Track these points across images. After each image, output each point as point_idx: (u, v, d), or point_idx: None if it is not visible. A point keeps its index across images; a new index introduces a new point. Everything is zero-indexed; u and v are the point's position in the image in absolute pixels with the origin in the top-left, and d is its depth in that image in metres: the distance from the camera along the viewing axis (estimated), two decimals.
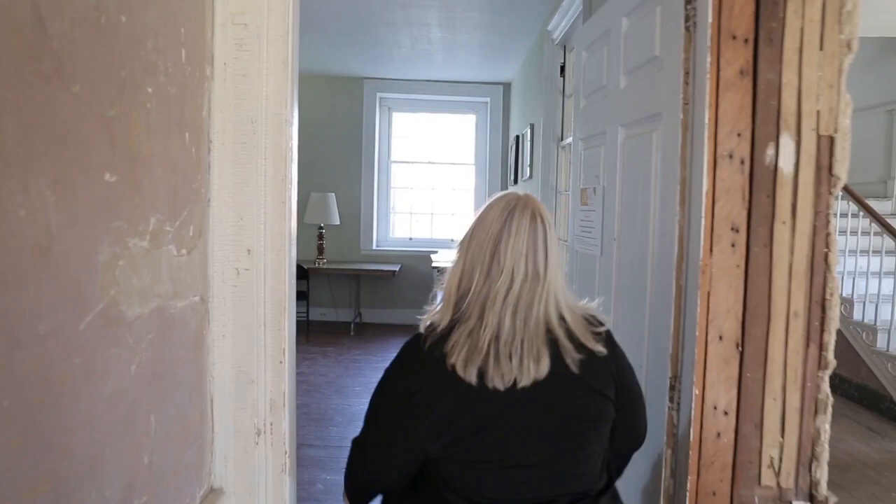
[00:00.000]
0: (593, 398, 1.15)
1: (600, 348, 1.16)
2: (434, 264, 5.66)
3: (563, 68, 4.11)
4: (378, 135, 7.40)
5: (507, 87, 7.20)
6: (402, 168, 7.70)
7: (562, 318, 1.16)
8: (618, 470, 1.30)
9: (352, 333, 6.70)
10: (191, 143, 1.06)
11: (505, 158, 7.19)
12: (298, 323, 5.40)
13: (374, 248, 7.38)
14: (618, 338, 1.25)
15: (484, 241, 1.19)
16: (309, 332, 6.68)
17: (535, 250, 1.16)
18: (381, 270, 6.76)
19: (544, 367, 1.11)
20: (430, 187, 7.64)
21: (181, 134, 1.03)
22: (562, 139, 4.13)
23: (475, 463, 1.13)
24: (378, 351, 6.03)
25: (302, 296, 6.65)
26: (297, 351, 6.08)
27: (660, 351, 1.39)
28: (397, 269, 6.90)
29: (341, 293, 7.33)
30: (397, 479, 1.20)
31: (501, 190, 7.22)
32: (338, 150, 7.29)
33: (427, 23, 4.90)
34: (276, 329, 1.21)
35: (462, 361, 1.12)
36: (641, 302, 1.50)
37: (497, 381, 1.10)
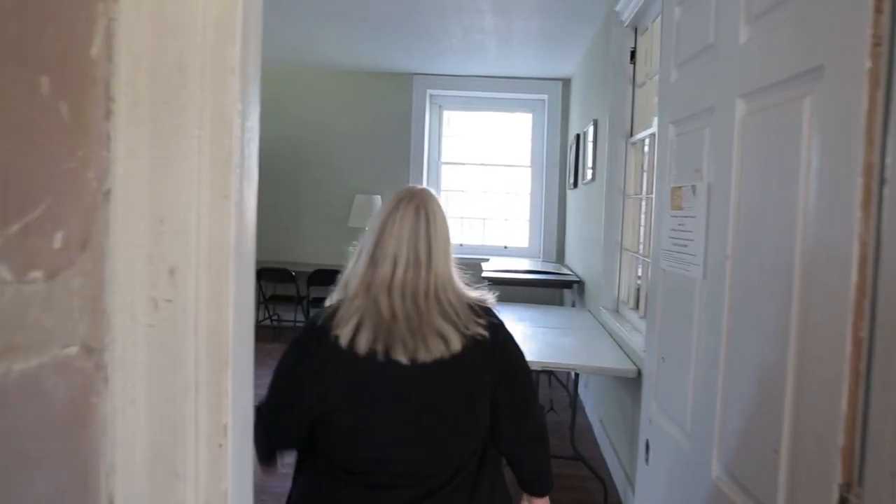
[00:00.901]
0: (470, 380, 1.23)
1: (482, 332, 1.23)
2: (485, 273, 5.20)
3: (633, 54, 3.60)
4: (428, 134, 7.00)
5: (566, 83, 6.69)
6: (453, 170, 7.28)
7: (449, 304, 1.24)
8: (519, 462, 1.38)
9: None
10: (56, 96, 0.65)
11: (564, 160, 6.67)
12: None
13: None
14: (725, 409, 1.11)
15: (372, 230, 1.31)
16: None
17: (416, 239, 1.26)
18: None
19: (429, 348, 1.19)
20: (482, 190, 7.19)
21: (29, 77, 0.61)
22: (631, 135, 3.62)
23: (350, 430, 1.23)
24: None
25: None
26: None
27: (815, 438, 0.90)
28: None
29: None
30: (288, 441, 1.31)
31: (559, 194, 6.72)
32: (385, 150, 6.93)
33: (479, 9, 4.46)
34: (214, 393, 0.78)
35: (347, 335, 1.21)
36: (777, 354, 1.01)
37: (381, 355, 1.19)
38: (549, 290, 6.39)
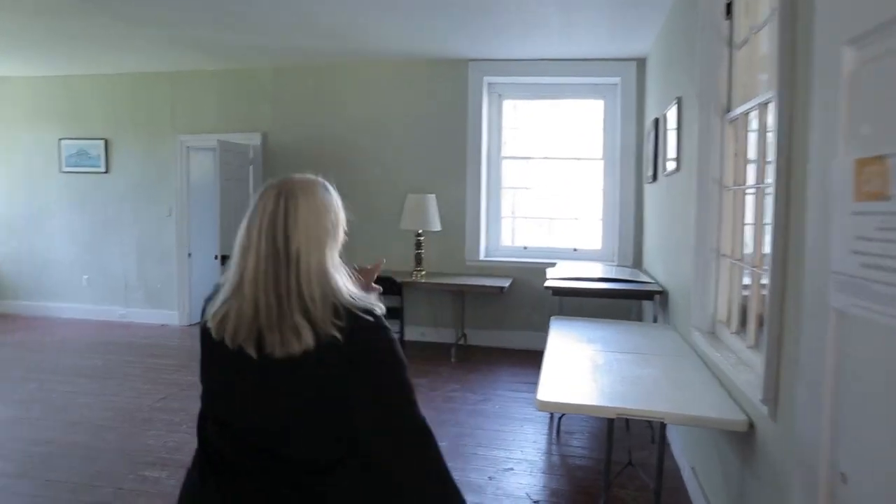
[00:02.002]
0: (319, 381, 1.21)
1: (335, 333, 1.19)
2: (548, 283, 4.50)
3: (729, 7, 2.84)
4: (486, 126, 6.34)
5: (641, 63, 5.88)
6: (516, 165, 6.59)
7: (311, 299, 1.21)
8: (391, 461, 1.25)
9: (452, 359, 5.68)
10: None
11: (640, 150, 5.87)
12: None
13: (481, 258, 6.33)
14: None
15: (245, 219, 1.28)
16: None
17: (273, 229, 1.23)
18: (487, 286, 5.69)
19: (283, 343, 1.18)
20: (548, 187, 6.47)
21: None
22: (729, 109, 2.85)
23: (214, 419, 1.31)
24: (480, 385, 4.95)
25: (394, 313, 5.73)
26: None
27: None
28: (507, 284, 5.79)
29: (443, 310, 6.34)
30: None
31: (636, 188, 5.92)
32: (439, 144, 6.31)
33: None
34: None
35: (215, 325, 1.24)
36: None
37: (249, 349, 1.20)
38: (625, 301, 5.61)
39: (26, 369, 5.23)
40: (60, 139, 7.31)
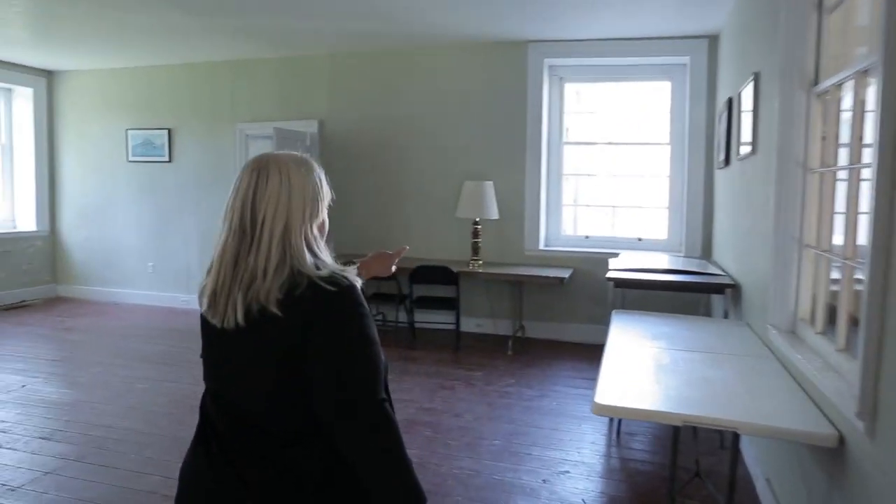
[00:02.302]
0: (264, 352, 1.22)
1: (273, 309, 1.18)
2: (610, 273, 4.26)
3: None
4: (547, 110, 6.09)
5: (713, 40, 5.51)
6: (578, 151, 6.32)
7: (264, 273, 1.20)
8: (353, 460, 1.20)
9: (509, 352, 5.50)
10: None
11: (711, 133, 5.51)
12: (446, 335, 5.71)
13: (540, 247, 6.11)
14: None
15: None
16: (458, 348, 5.60)
17: (242, 204, 1.24)
18: (546, 277, 5.47)
19: (227, 315, 1.21)
20: (612, 174, 6.17)
21: None
22: (816, 82, 2.55)
23: (208, 390, 1.35)
24: (536, 380, 4.76)
25: (450, 303, 5.61)
26: (439, 374, 5.01)
27: None
28: (567, 275, 5.55)
29: (501, 301, 6.16)
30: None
31: (705, 174, 5.56)
32: (497, 130, 6.11)
33: None
34: None
35: (199, 297, 1.31)
36: None
37: (214, 320, 1.25)
38: (693, 295, 5.29)
39: (93, 353, 5.37)
40: (127, 129, 7.49)
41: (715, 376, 2.44)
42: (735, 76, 4.33)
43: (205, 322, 1.30)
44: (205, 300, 1.27)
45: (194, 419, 1.36)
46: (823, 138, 2.51)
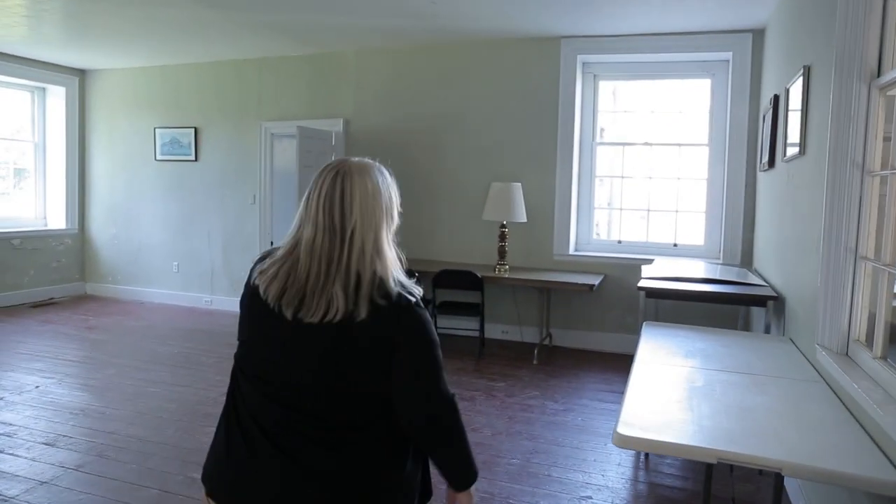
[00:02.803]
0: (348, 348, 1.27)
1: (380, 302, 1.26)
2: (642, 282, 3.98)
3: None
4: (580, 109, 5.83)
5: (758, 34, 5.17)
6: (612, 151, 6.04)
7: (357, 275, 1.28)
8: (427, 449, 1.40)
9: (535, 361, 5.25)
10: None
11: (754, 133, 5.18)
12: (469, 342, 5.49)
13: (570, 252, 5.84)
14: None
15: (305, 195, 1.37)
16: (481, 356, 5.38)
17: (331, 205, 1.31)
18: (576, 283, 5.20)
19: (317, 309, 1.26)
20: (647, 176, 5.88)
21: None
22: (878, 74, 2.26)
23: (246, 374, 1.37)
24: (562, 392, 4.50)
25: (474, 309, 5.39)
26: (459, 384, 4.67)
27: None
28: (597, 282, 5.28)
29: (527, 308, 5.91)
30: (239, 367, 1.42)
31: (747, 177, 5.23)
32: (527, 129, 5.87)
33: None
34: None
35: (264, 284, 1.33)
36: None
37: (286, 311, 1.29)
38: (732, 306, 4.97)
39: (109, 353, 5.30)
40: (155, 128, 7.46)
41: (755, 403, 2.17)
42: (783, 71, 4.01)
43: (263, 311, 1.32)
44: (277, 289, 1.30)
45: (202, 429, 1.48)
46: (887, 139, 2.22)
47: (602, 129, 6.04)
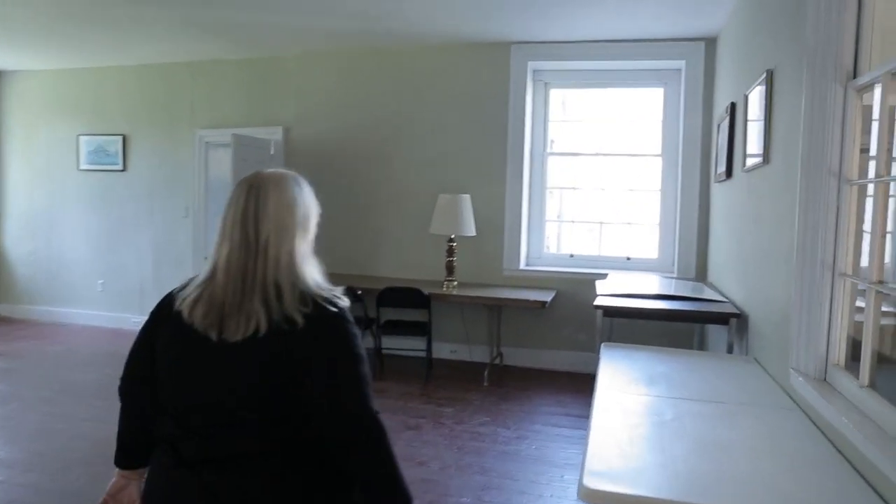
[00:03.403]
0: (274, 364, 1.24)
1: (299, 318, 1.24)
2: (598, 300, 3.74)
3: None
4: (530, 118, 5.62)
5: (710, 42, 5.07)
6: (563, 162, 5.85)
7: (276, 287, 1.27)
8: (351, 468, 1.29)
9: (485, 383, 4.97)
10: None
11: (707, 143, 5.06)
12: (416, 363, 5.07)
13: (521, 267, 5.60)
14: None
15: (222, 214, 1.37)
16: (429, 379, 5.06)
17: (244, 220, 1.30)
18: (528, 300, 4.96)
19: (239, 327, 1.23)
20: (599, 188, 5.70)
21: None
22: (854, 74, 2.08)
23: (171, 398, 1.31)
24: (514, 417, 4.23)
25: (420, 328, 5.08)
26: (405, 410, 4.28)
27: None
28: (550, 298, 5.04)
29: (477, 326, 5.63)
30: (133, 383, 1.42)
31: (701, 189, 5.09)
32: (476, 138, 5.62)
33: None
34: None
35: (187, 309, 1.29)
36: None
37: (211, 333, 1.25)
38: (687, 325, 4.80)
39: (15, 383, 4.76)
40: (79, 135, 6.92)
41: (731, 439, 1.93)
42: (740, 78, 3.87)
43: (184, 334, 1.28)
44: (201, 312, 1.27)
45: (112, 472, 1.38)
46: (864, 150, 2.03)
47: (553, 141, 5.85)
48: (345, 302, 1.32)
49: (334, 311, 1.28)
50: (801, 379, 2.20)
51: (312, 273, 1.33)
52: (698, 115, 5.09)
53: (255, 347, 1.23)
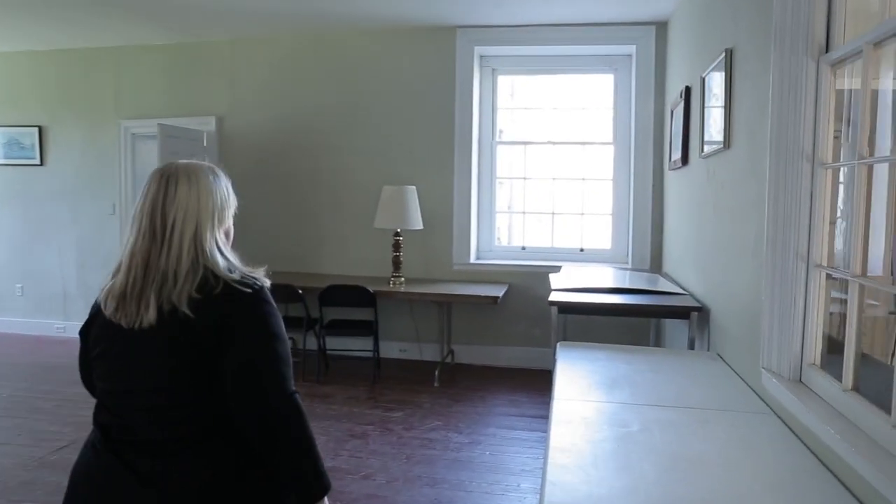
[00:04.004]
0: (173, 350, 1.24)
1: (185, 310, 1.22)
2: (553, 296, 3.54)
3: None
4: (478, 105, 5.38)
5: (661, 27, 4.93)
6: (512, 151, 5.64)
7: (174, 275, 1.25)
8: (266, 454, 1.26)
9: (436, 383, 4.73)
10: None
11: (660, 130, 4.92)
12: (363, 363, 4.93)
13: (471, 261, 5.38)
14: None
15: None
16: (376, 380, 4.79)
17: (152, 209, 1.29)
18: (479, 296, 4.74)
19: (137, 315, 1.24)
20: (550, 177, 5.52)
21: None
22: (827, 48, 1.90)
23: (100, 390, 1.33)
24: (466, 420, 4.01)
25: (367, 327, 4.81)
26: (350, 416, 4.08)
27: None
28: (501, 293, 4.84)
29: (426, 324, 5.39)
30: (89, 384, 1.41)
31: (654, 177, 4.96)
32: (422, 127, 5.36)
33: None
34: None
35: (104, 299, 1.29)
36: None
37: (122, 321, 1.25)
38: (642, 319, 4.67)
39: None
40: None
41: (704, 452, 1.74)
42: (695, 61, 3.71)
43: (105, 324, 1.29)
44: (111, 302, 1.28)
45: None
46: (837, 137, 1.86)
47: (501, 131, 5.64)
48: (263, 282, 1.31)
49: (247, 292, 1.27)
50: (773, 380, 2.03)
51: (225, 258, 1.32)
52: (650, 101, 4.96)
53: (158, 334, 1.23)
